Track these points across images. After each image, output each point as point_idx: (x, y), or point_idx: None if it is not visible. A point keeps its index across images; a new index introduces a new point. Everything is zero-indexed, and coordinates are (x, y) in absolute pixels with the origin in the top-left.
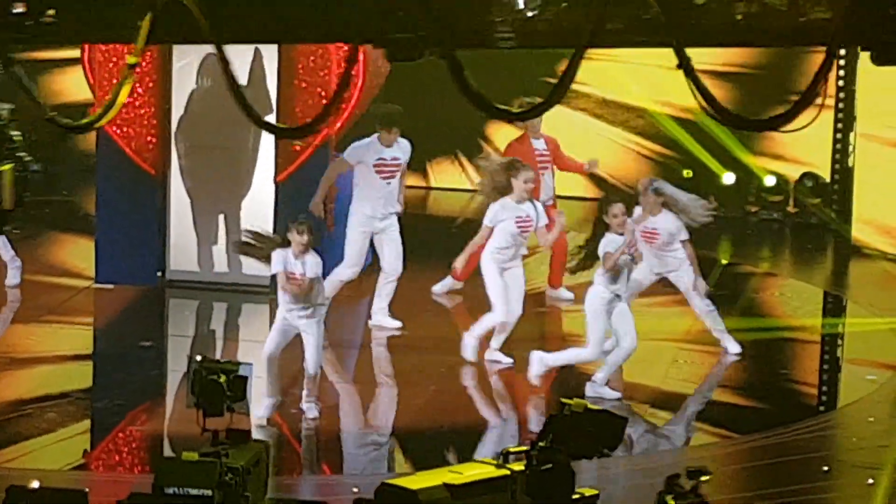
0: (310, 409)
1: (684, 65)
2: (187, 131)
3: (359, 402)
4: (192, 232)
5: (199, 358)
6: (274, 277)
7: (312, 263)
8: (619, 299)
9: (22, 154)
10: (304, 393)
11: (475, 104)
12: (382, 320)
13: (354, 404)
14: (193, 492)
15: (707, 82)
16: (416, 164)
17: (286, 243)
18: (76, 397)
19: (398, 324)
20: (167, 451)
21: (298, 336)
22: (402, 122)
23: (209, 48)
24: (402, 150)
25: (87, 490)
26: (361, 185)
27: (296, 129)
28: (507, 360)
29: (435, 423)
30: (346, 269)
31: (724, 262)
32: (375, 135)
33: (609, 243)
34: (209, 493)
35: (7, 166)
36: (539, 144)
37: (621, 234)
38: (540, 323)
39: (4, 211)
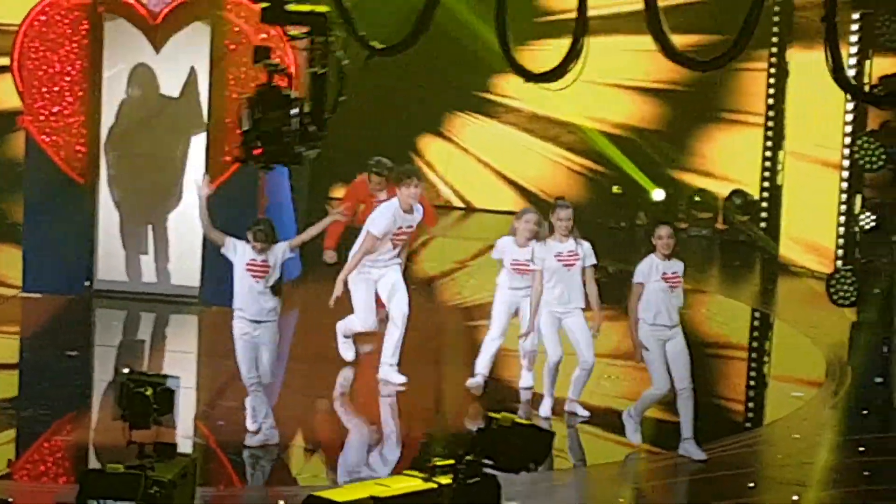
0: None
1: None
2: (117, 140)
3: (289, 414)
4: (120, 241)
5: (126, 370)
6: (202, 287)
7: (275, 251)
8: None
9: None
10: (258, 405)
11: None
12: (389, 375)
13: (284, 415)
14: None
15: (637, 98)
16: (347, 177)
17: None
18: (1, 407)
19: (403, 379)
20: (93, 463)
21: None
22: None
23: (139, 57)
24: (418, 213)
25: (11, 500)
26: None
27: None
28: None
29: (363, 436)
30: (358, 320)
31: None
32: (395, 200)
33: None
34: None
35: None
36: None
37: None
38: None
39: None
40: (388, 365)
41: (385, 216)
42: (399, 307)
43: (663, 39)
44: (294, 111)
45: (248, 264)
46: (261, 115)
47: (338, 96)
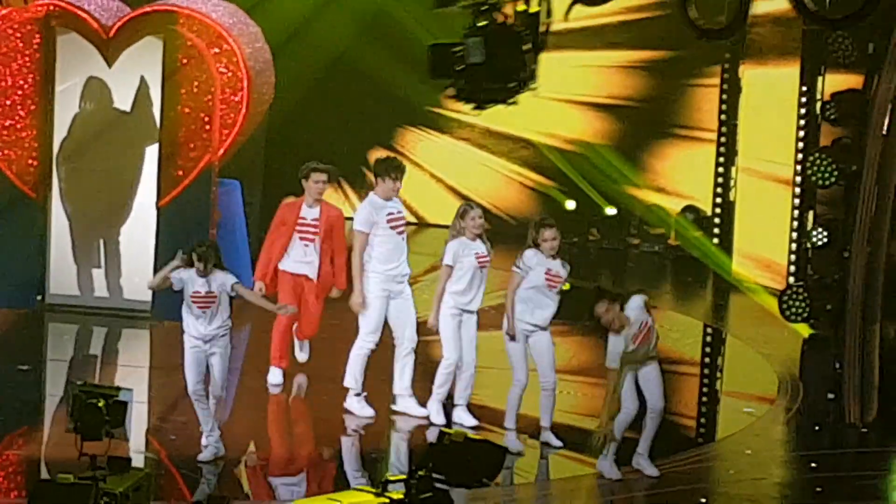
0: (208, 445)
1: None
2: (69, 154)
3: (244, 429)
4: (72, 256)
5: (79, 382)
6: (154, 302)
7: (220, 278)
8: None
9: None
10: (203, 418)
11: None
12: (408, 406)
13: (238, 430)
14: None
15: (591, 114)
16: (298, 191)
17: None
18: None
19: (424, 412)
20: (45, 476)
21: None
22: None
23: (92, 71)
24: (399, 203)
25: None
26: (377, 244)
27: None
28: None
29: (317, 452)
30: (367, 340)
31: None
32: (371, 193)
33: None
34: None
35: None
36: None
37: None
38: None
39: None
40: (407, 396)
41: (362, 208)
42: (413, 335)
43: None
44: (527, 48)
45: (192, 295)
46: (495, 52)
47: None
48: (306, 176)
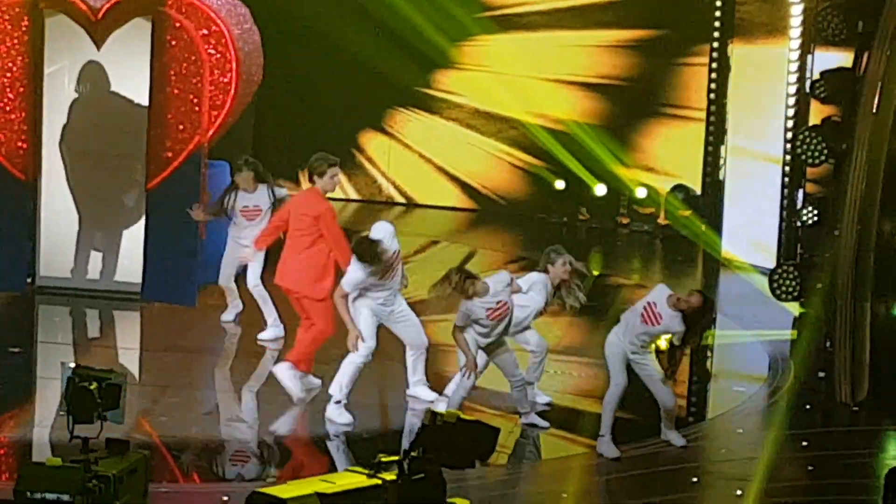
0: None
1: None
2: (70, 138)
3: (234, 410)
4: (62, 238)
5: (72, 365)
6: (144, 284)
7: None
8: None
9: None
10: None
11: None
12: (420, 392)
13: (230, 412)
14: (52, 497)
15: (580, 94)
16: (289, 173)
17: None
18: None
19: (435, 396)
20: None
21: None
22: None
23: (81, 53)
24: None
25: None
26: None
27: None
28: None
29: (310, 433)
30: (362, 352)
31: (595, 273)
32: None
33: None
34: (69, 498)
35: None
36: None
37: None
38: None
39: None
40: (421, 384)
41: (355, 272)
42: (423, 341)
43: None
44: None
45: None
46: None
47: None
48: (322, 172)
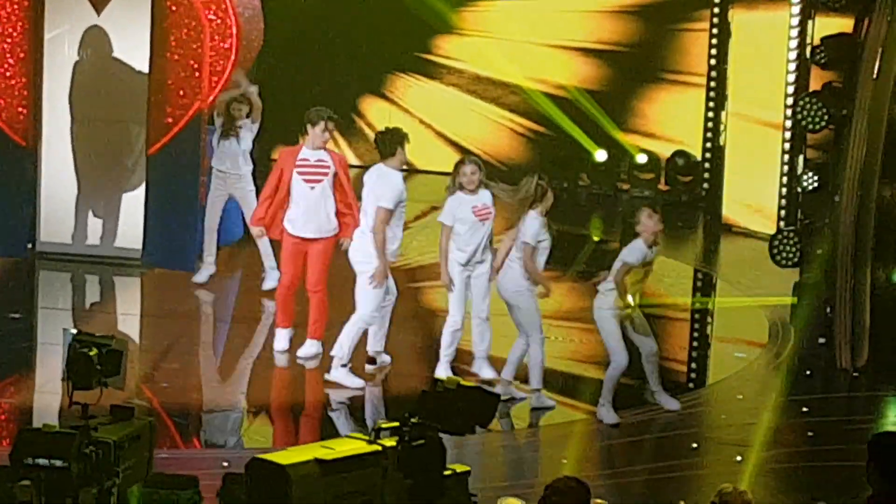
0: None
1: None
2: (75, 103)
3: (231, 376)
4: (63, 204)
5: (73, 331)
6: (144, 249)
7: None
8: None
9: None
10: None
11: None
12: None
13: (225, 378)
14: (47, 462)
15: (580, 60)
16: (288, 139)
17: None
18: None
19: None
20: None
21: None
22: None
23: (81, 18)
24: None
25: None
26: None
27: None
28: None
29: (311, 399)
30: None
31: (595, 239)
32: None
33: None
34: (64, 464)
35: None
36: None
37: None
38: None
39: None
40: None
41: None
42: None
43: None
44: None
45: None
46: None
47: None
48: (314, 122)
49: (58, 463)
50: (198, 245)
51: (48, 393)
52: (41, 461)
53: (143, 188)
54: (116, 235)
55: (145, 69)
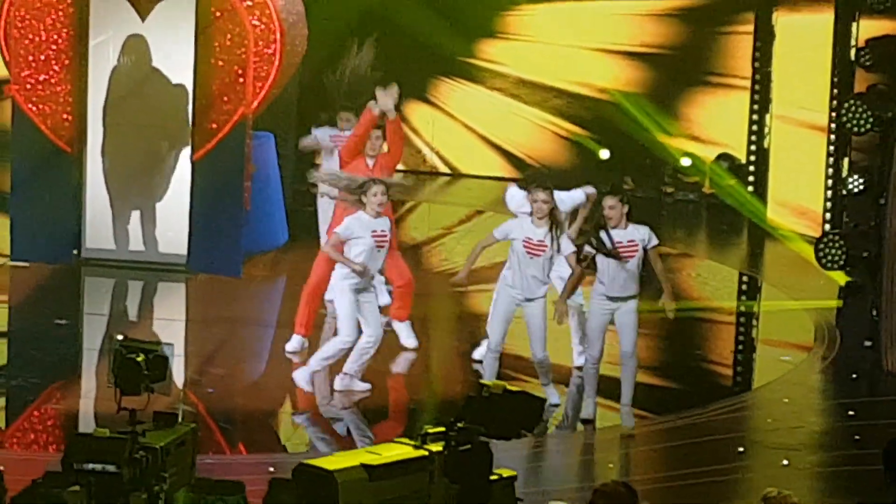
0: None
1: None
2: (109, 110)
3: (276, 381)
4: (108, 210)
5: (119, 337)
6: (189, 254)
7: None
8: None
9: None
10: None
11: None
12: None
13: (271, 383)
14: (99, 467)
15: (623, 63)
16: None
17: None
18: None
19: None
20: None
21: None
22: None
23: (125, 26)
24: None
25: (1, 469)
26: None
27: None
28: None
29: (356, 405)
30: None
31: None
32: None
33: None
34: (116, 469)
35: None
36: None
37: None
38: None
39: None
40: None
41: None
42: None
43: None
44: None
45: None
46: None
47: None
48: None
49: (110, 468)
50: (243, 250)
51: (94, 398)
52: (93, 466)
53: (187, 194)
54: (161, 241)
55: (183, 78)
